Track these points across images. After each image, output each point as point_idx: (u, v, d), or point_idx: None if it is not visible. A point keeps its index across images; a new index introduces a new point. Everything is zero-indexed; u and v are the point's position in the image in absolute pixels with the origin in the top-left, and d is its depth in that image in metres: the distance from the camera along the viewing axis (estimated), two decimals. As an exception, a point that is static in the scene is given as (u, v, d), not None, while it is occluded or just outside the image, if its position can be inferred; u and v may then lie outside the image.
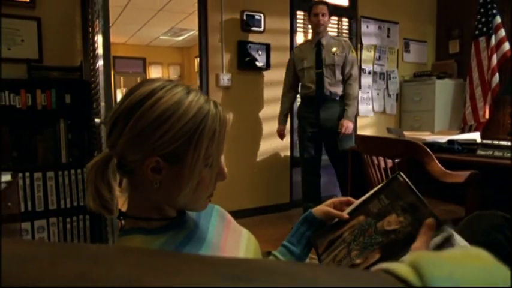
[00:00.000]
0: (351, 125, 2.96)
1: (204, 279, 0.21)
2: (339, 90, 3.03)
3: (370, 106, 4.26)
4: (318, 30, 3.02)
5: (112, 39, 8.64)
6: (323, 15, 3.00)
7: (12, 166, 2.36)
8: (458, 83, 4.34)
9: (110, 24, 8.17)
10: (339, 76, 3.01)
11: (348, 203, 0.93)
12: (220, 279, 0.21)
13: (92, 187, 0.65)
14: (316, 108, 3.04)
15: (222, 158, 0.72)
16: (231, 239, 0.78)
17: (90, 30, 2.46)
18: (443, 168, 1.82)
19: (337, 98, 3.03)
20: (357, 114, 4.17)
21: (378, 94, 4.31)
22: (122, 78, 10.31)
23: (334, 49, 3.01)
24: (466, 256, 0.23)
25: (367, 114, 4.25)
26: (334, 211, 0.92)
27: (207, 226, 0.77)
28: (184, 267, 0.22)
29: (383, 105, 4.36)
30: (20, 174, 2.35)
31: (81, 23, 2.74)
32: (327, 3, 3.05)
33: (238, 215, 3.49)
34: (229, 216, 0.86)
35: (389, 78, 4.38)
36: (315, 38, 3.06)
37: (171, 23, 7.40)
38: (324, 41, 3.04)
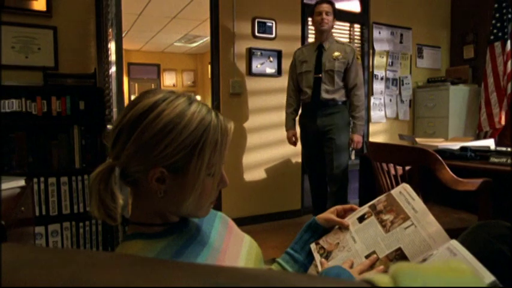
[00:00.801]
0: (361, 139, 2.84)
1: (187, 286, 0.22)
2: (337, 96, 2.83)
3: (383, 112, 4.23)
4: (321, 29, 2.82)
5: (127, 46, 8.84)
6: (327, 13, 2.80)
7: (28, 171, 2.42)
8: (473, 89, 4.28)
9: (125, 32, 8.29)
10: (338, 83, 2.82)
11: (352, 210, 0.95)
12: (202, 286, 0.22)
13: (96, 196, 0.65)
14: (313, 115, 2.87)
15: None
16: (232, 245, 0.79)
17: (104, 38, 2.51)
18: (454, 176, 1.80)
19: (337, 104, 2.84)
20: (369, 120, 4.15)
21: (390, 100, 4.28)
22: (136, 84, 10.45)
23: (336, 54, 2.82)
24: (444, 268, 0.24)
25: (380, 121, 4.22)
26: (337, 218, 0.93)
27: (209, 231, 0.78)
28: (170, 274, 0.23)
29: (396, 111, 4.33)
30: (35, 179, 2.41)
31: (96, 31, 2.80)
32: (331, 3, 2.87)
33: (249, 221, 3.51)
34: (231, 223, 0.87)
35: (402, 84, 4.34)
36: (317, 41, 2.90)
37: (185, 30, 7.49)
38: (326, 45, 2.85)
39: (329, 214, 0.96)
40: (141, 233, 0.68)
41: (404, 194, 0.90)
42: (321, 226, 0.95)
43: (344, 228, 0.91)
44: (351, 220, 0.91)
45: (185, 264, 0.25)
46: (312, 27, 3.83)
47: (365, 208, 0.91)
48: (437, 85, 4.28)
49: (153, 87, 9.94)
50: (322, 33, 2.85)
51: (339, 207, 0.98)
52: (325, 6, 2.82)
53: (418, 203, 0.88)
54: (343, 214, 0.97)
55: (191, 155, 0.64)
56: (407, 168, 1.96)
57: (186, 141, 0.63)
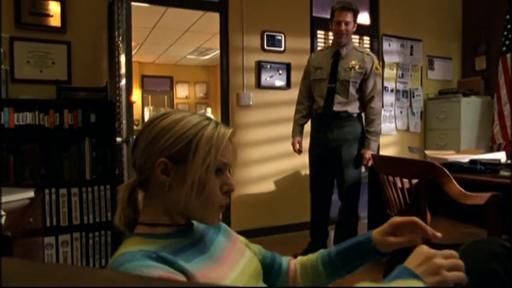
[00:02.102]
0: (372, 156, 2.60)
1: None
2: (351, 108, 2.63)
3: (393, 124, 4.21)
4: (339, 40, 2.64)
5: (141, 59, 8.99)
6: (347, 24, 2.58)
7: (40, 182, 2.47)
8: (486, 101, 4.23)
9: (139, 45, 8.43)
10: (353, 94, 2.61)
11: (413, 225, 0.79)
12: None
13: (120, 206, 0.76)
14: (324, 127, 2.67)
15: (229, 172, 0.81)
16: (231, 257, 0.81)
17: (116, 51, 2.58)
18: (462, 190, 1.77)
19: (350, 117, 2.64)
20: (380, 132, 4.12)
21: (401, 112, 4.25)
22: (149, 96, 10.60)
23: (353, 62, 2.60)
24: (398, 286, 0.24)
25: (390, 133, 4.19)
26: (406, 243, 0.80)
27: (212, 241, 0.81)
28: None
29: (407, 123, 4.29)
30: (47, 190, 2.46)
31: (108, 45, 2.87)
32: (353, 9, 2.59)
33: (259, 233, 3.50)
34: (235, 237, 0.90)
35: (413, 96, 4.31)
36: (335, 46, 2.69)
37: (197, 43, 7.61)
38: (343, 52, 2.64)
39: (391, 238, 0.80)
40: (143, 233, 0.74)
41: None
42: (377, 251, 0.83)
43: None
44: None
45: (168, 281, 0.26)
46: (322, 40, 3.87)
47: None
48: (448, 97, 4.24)
49: (166, 99, 10.07)
50: (340, 42, 2.67)
51: (396, 221, 0.80)
52: (345, 15, 2.57)
53: None
54: (402, 231, 0.80)
55: (189, 147, 0.73)
56: (415, 181, 1.94)
57: (184, 135, 0.73)
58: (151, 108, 10.81)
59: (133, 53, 9.79)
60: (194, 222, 0.82)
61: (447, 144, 4.12)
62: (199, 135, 0.73)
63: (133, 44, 8.06)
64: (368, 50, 3.16)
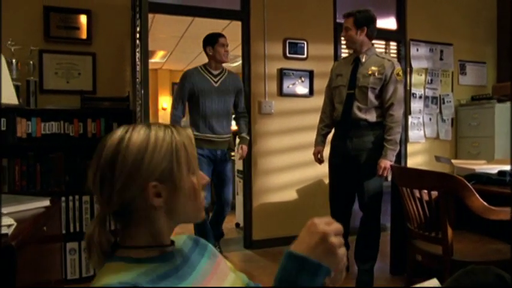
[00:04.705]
0: (389, 166, 2.46)
1: None
2: (370, 116, 2.54)
3: (422, 132, 4.06)
4: (347, 46, 2.75)
5: (172, 67, 9.16)
6: (346, 29, 2.59)
7: (65, 189, 2.57)
8: (523, 107, 4.00)
9: (169, 53, 8.59)
10: (372, 101, 2.54)
11: None
12: None
13: (96, 247, 0.71)
14: (343, 136, 2.61)
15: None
16: (214, 281, 0.79)
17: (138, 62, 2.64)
18: (485, 204, 1.67)
19: (370, 126, 2.56)
20: (407, 140, 3.99)
21: (430, 119, 4.09)
22: (180, 103, 10.75)
23: (372, 68, 2.55)
24: None
25: (419, 141, 4.05)
26: None
27: (195, 264, 0.79)
28: None
29: (436, 130, 4.13)
30: (70, 197, 2.55)
31: (131, 56, 2.95)
32: (353, 14, 2.58)
33: (280, 242, 3.45)
34: (219, 259, 0.87)
35: (443, 103, 4.15)
36: (355, 53, 2.67)
37: (225, 51, 7.66)
38: (363, 58, 2.60)
39: None
40: (125, 257, 0.71)
41: None
42: None
43: None
44: None
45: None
46: (345, 47, 3.80)
47: None
48: (482, 103, 4.04)
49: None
50: (352, 49, 2.67)
51: None
52: (345, 21, 2.60)
53: None
54: None
55: (171, 161, 0.71)
56: (436, 193, 1.85)
57: (162, 152, 0.71)
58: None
59: (163, 61, 10.01)
60: (178, 242, 0.81)
61: (480, 153, 3.93)
62: (173, 145, 0.72)
63: (163, 52, 8.28)
64: (389, 56, 3.07)
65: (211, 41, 3.04)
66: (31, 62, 2.68)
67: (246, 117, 3.26)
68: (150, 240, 0.73)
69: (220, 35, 3.05)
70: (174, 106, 3.05)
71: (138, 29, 2.47)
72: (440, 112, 4.14)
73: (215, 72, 3.06)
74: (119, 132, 0.73)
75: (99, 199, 0.73)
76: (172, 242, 0.79)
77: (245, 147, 3.20)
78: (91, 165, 0.73)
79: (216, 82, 3.04)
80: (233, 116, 3.25)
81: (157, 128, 0.73)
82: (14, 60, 2.57)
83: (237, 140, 3.40)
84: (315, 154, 2.83)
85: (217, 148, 3.02)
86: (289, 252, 0.64)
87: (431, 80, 4.10)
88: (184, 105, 3.07)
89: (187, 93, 3.00)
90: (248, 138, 3.27)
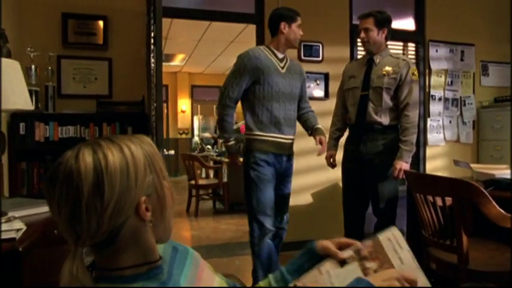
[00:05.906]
0: (405, 167, 2.39)
1: None
2: (384, 119, 2.48)
3: (442, 135, 3.95)
4: (364, 48, 2.59)
5: (191, 70, 9.27)
6: (366, 30, 2.50)
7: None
8: (549, 108, 3.85)
9: (188, 56, 8.73)
10: (387, 102, 2.47)
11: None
12: None
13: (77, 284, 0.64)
14: (357, 140, 2.54)
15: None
16: None
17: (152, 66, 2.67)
18: (502, 211, 1.61)
19: (385, 128, 2.49)
20: (425, 144, 3.89)
21: (450, 122, 3.98)
22: (199, 105, 10.90)
23: (387, 68, 2.47)
24: None
25: (438, 144, 3.94)
26: (333, 249, 0.87)
27: (179, 275, 0.77)
28: None
29: (457, 133, 4.02)
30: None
31: (146, 60, 2.99)
32: (374, 15, 2.50)
33: (295, 246, 3.41)
34: (202, 264, 0.86)
35: (464, 105, 4.03)
36: (368, 54, 2.60)
37: (243, 53, 7.71)
38: (377, 59, 2.53)
39: (328, 243, 0.90)
40: (109, 277, 0.68)
41: (393, 241, 0.81)
42: (317, 253, 0.90)
43: (326, 269, 0.84)
44: (331, 263, 0.84)
45: None
46: (362, 48, 3.74)
47: (349, 251, 0.84)
48: (505, 105, 3.91)
49: (214, 108, 10.30)
50: (367, 50, 2.60)
51: (343, 240, 0.91)
52: (364, 22, 2.51)
53: (406, 253, 0.79)
54: (345, 247, 0.89)
55: (151, 172, 0.71)
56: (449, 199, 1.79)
57: (141, 165, 0.69)
58: (201, 117, 11.10)
59: (182, 64, 10.14)
60: (159, 251, 0.78)
61: (503, 157, 3.79)
62: (146, 155, 0.70)
63: (183, 55, 8.39)
64: (404, 56, 2.99)
65: (289, 18, 2.37)
66: (49, 68, 2.75)
67: (312, 110, 2.69)
68: (140, 258, 0.70)
69: (299, 14, 2.44)
70: (225, 94, 2.34)
71: (152, 34, 2.51)
72: (461, 114, 4.03)
73: (280, 56, 2.43)
74: (81, 157, 0.65)
75: (81, 233, 0.63)
76: (160, 257, 0.76)
77: (324, 139, 2.52)
78: (57, 202, 0.63)
79: (282, 68, 2.41)
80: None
81: (122, 143, 0.68)
82: (33, 66, 2.65)
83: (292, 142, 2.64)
84: (327, 158, 2.75)
85: (283, 153, 2.43)
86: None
87: (452, 82, 3.99)
88: (240, 93, 2.35)
89: (249, 76, 2.30)
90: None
